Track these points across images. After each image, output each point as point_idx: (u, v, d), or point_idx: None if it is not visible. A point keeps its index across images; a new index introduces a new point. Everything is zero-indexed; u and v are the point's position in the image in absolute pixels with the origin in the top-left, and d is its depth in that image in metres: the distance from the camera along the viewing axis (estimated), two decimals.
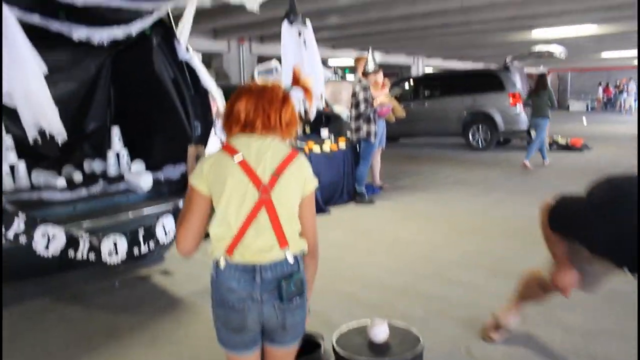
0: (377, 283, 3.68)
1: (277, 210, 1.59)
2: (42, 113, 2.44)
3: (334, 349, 2.18)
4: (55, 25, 3.10)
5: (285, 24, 3.83)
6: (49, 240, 2.71)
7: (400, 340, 2.22)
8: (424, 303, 3.33)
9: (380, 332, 2.15)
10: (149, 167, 3.75)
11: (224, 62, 12.86)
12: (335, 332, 2.32)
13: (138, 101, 3.94)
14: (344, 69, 17.62)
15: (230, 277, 1.61)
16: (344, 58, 15.98)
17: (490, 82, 10.80)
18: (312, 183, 1.68)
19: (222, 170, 1.60)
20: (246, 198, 1.58)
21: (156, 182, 3.58)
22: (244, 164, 1.58)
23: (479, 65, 22.38)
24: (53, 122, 2.48)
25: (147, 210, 3.25)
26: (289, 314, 1.63)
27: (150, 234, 3.06)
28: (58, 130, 2.53)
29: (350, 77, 14.10)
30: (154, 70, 3.66)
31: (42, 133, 2.76)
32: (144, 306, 3.42)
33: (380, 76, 6.39)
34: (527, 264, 2.83)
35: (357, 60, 7.06)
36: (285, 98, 1.68)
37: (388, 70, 10.84)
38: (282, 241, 1.60)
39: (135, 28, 3.35)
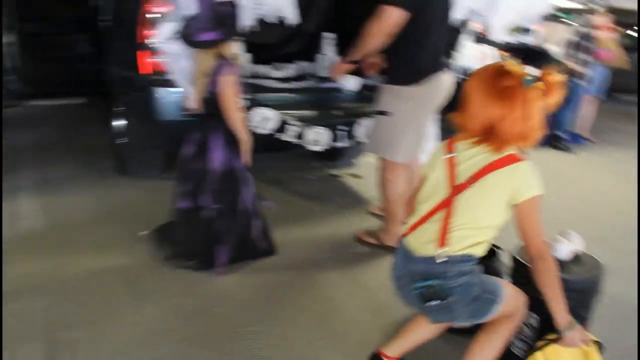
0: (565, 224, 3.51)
1: (454, 212, 1.65)
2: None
3: (512, 257, 2.19)
4: None
5: None
6: (264, 120, 3.10)
7: (582, 263, 2.14)
8: (616, 256, 3.07)
9: (563, 249, 2.10)
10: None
11: None
12: (515, 245, 2.33)
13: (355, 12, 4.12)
14: (567, 10, 15.89)
15: (398, 255, 1.81)
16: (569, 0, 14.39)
17: None
18: (527, 192, 1.61)
19: (435, 160, 1.78)
20: (438, 193, 1.70)
21: (362, 87, 3.77)
22: (449, 161, 1.70)
23: None
24: (288, 8, 2.78)
25: (349, 110, 3.49)
26: (428, 311, 1.75)
27: (348, 132, 3.32)
28: (291, 16, 2.83)
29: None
30: None
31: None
32: (333, 197, 3.78)
33: (607, 19, 5.74)
34: None
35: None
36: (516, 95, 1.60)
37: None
38: (441, 241, 1.66)
39: None
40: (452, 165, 1.69)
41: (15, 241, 2.92)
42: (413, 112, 2.82)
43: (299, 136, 3.19)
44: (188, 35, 2.49)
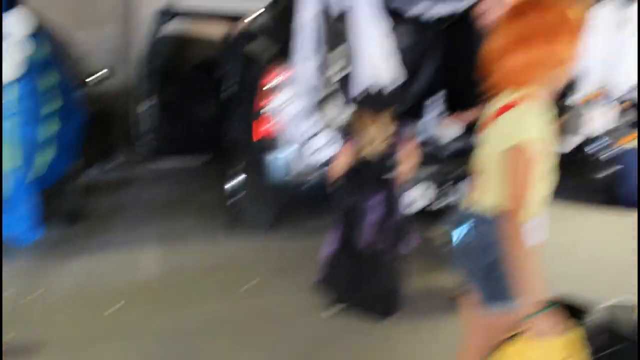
0: None
1: (477, 161, 1.64)
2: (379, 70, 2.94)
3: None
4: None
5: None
6: None
7: None
8: None
9: None
10: None
11: None
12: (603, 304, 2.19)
13: (465, 70, 4.20)
14: None
15: None
16: None
17: None
18: (512, 138, 1.41)
19: None
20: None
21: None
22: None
23: None
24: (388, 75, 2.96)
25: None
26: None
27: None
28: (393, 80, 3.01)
29: None
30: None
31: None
32: None
33: None
34: None
35: None
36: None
37: None
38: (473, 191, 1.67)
39: (464, 4, 3.58)
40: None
41: (137, 287, 3.25)
42: None
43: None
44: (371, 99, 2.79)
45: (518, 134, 1.41)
